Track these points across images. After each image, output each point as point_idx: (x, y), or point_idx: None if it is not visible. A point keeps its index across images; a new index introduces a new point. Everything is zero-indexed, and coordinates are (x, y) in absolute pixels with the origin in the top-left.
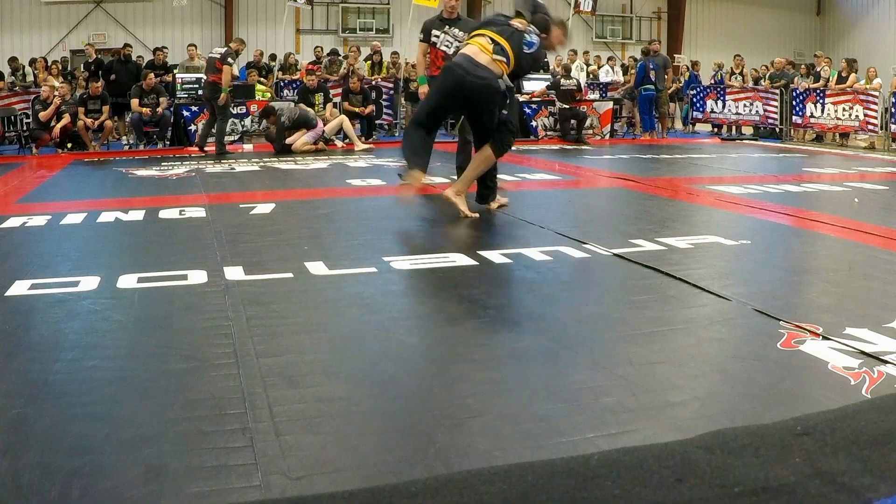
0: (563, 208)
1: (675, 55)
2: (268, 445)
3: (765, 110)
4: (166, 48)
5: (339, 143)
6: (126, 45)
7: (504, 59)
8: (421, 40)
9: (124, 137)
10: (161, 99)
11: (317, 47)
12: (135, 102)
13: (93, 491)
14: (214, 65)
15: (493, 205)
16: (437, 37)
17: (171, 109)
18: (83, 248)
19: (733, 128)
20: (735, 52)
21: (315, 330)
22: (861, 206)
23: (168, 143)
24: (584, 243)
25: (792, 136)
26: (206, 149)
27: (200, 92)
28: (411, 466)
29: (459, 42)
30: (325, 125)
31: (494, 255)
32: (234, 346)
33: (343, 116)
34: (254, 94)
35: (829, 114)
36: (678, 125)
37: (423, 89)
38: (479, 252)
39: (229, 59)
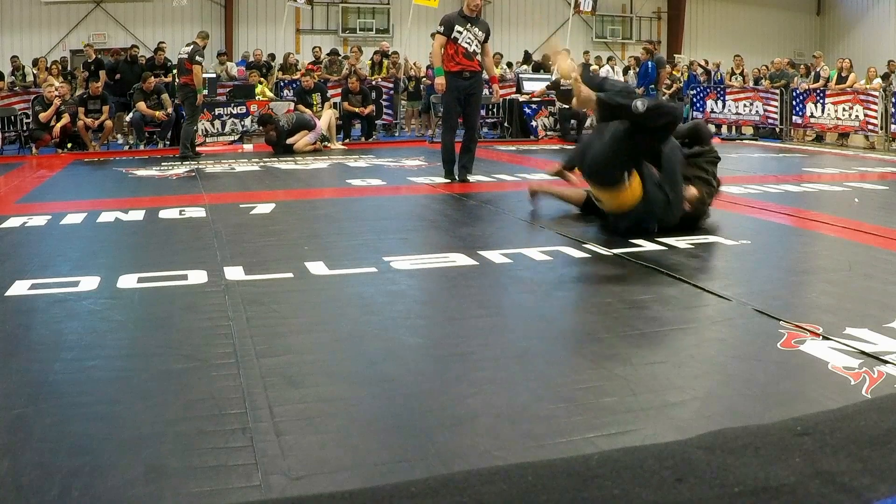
0: (563, 208)
1: (676, 55)
2: (268, 445)
3: (765, 110)
4: (164, 43)
5: (338, 144)
6: (133, 45)
7: None
8: (441, 33)
9: (120, 137)
10: (163, 97)
11: (315, 48)
12: (142, 105)
13: (93, 491)
14: (184, 65)
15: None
16: (460, 33)
17: (172, 110)
18: (83, 248)
19: (733, 128)
20: (735, 52)
21: (315, 330)
22: (861, 206)
23: (168, 143)
24: (584, 243)
25: (792, 136)
26: (199, 149)
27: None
28: (411, 466)
29: (479, 41)
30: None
31: (494, 255)
32: (234, 346)
33: (331, 111)
34: (254, 94)
35: (829, 114)
36: None
37: (440, 80)
38: (479, 252)
39: (197, 58)
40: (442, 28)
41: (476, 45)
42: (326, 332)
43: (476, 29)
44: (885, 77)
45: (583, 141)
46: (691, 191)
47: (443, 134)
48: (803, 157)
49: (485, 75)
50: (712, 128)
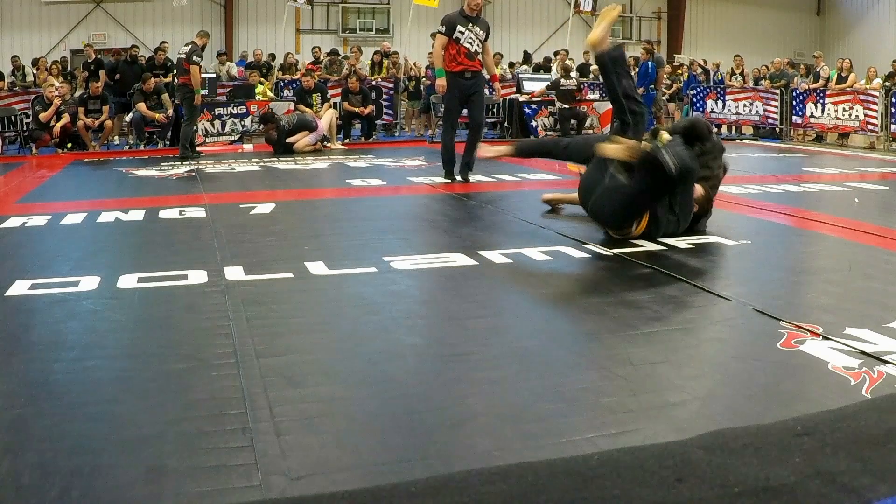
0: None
1: (676, 55)
2: (268, 445)
3: (765, 110)
4: (166, 42)
5: (337, 144)
6: (133, 45)
7: None
8: (442, 33)
9: (117, 138)
10: (163, 97)
11: (314, 48)
12: (142, 106)
13: (93, 491)
14: (182, 66)
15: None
16: (462, 33)
17: (171, 111)
18: (83, 248)
19: (733, 128)
20: (735, 52)
21: (315, 330)
22: (861, 206)
23: (168, 143)
24: (584, 243)
25: (792, 136)
26: (199, 149)
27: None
28: (411, 466)
29: (481, 41)
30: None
31: (494, 255)
32: (234, 346)
33: (332, 112)
34: (254, 94)
35: (829, 114)
36: None
37: (441, 82)
38: (479, 252)
39: (195, 58)
40: (443, 28)
41: (478, 45)
42: (326, 332)
43: (477, 28)
44: (891, 76)
45: (585, 178)
46: (697, 190)
47: (443, 134)
48: (803, 157)
49: (485, 73)
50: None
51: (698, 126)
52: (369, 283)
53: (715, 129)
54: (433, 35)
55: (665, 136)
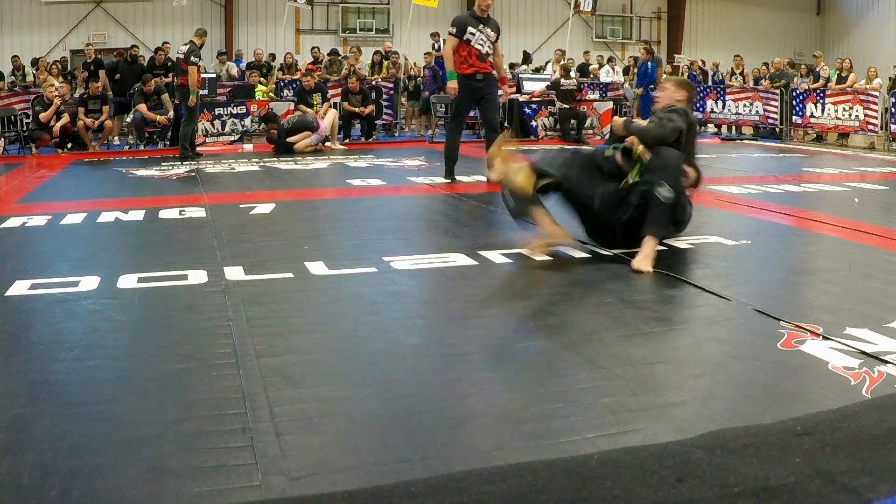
0: (563, 208)
1: (676, 55)
2: (268, 445)
3: (765, 110)
4: (168, 43)
5: (337, 144)
6: (133, 46)
7: None
8: (453, 35)
9: (117, 138)
10: (163, 97)
11: (314, 48)
12: (143, 108)
13: (93, 491)
14: (180, 66)
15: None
16: (473, 35)
17: (172, 112)
18: (83, 248)
19: (733, 128)
20: (735, 52)
21: (315, 330)
22: (861, 206)
23: (168, 143)
24: (585, 243)
25: (792, 136)
26: (199, 149)
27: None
28: (411, 466)
29: (491, 42)
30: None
31: (494, 255)
32: (234, 346)
33: (333, 112)
34: (254, 94)
35: (829, 114)
36: None
37: (453, 84)
38: (479, 252)
39: (193, 58)
40: (454, 30)
41: (488, 47)
42: (326, 332)
43: (488, 30)
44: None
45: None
46: (690, 174)
47: (448, 134)
48: (803, 157)
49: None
50: (711, 127)
51: (668, 137)
52: (369, 283)
53: (714, 129)
54: (433, 35)
55: (641, 149)
